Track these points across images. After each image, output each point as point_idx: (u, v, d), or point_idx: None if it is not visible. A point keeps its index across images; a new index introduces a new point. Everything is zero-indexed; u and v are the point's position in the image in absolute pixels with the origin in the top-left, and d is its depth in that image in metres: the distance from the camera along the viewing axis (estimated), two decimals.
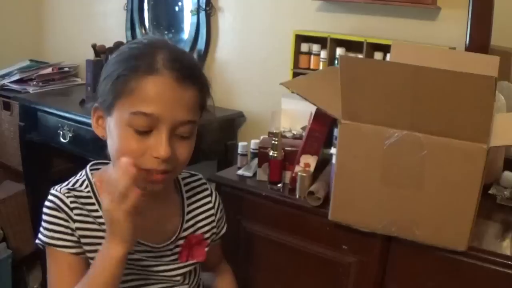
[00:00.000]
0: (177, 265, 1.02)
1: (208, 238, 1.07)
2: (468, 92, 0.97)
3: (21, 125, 2.22)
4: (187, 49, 2.19)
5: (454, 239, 1.09)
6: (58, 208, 0.91)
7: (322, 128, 1.34)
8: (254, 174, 1.45)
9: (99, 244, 0.90)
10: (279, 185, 1.38)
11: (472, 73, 0.96)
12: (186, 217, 1.04)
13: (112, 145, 0.90)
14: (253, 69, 2.08)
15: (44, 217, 0.92)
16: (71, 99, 2.30)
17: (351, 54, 1.72)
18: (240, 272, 1.44)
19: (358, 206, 1.16)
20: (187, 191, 1.06)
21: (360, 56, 1.67)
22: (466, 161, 1.03)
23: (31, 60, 2.62)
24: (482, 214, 1.15)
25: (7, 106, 2.38)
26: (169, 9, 2.37)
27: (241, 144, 1.55)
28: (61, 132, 2.02)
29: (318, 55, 1.79)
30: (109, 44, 2.33)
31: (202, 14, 2.13)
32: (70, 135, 2.00)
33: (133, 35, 2.39)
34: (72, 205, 0.91)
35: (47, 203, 0.93)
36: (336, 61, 1.75)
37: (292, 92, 1.36)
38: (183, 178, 1.07)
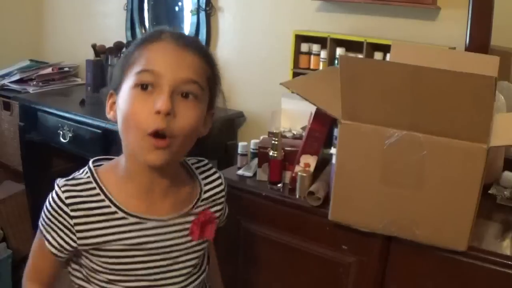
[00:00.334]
0: (187, 239, 1.00)
1: (218, 217, 1.06)
2: (468, 92, 0.97)
3: (21, 125, 2.23)
4: None
5: (454, 239, 1.09)
6: (54, 206, 0.91)
7: (322, 128, 1.34)
8: (254, 174, 1.45)
9: (102, 228, 0.91)
10: (279, 185, 1.39)
11: (472, 73, 0.96)
12: (203, 196, 1.03)
13: (119, 117, 0.90)
14: (253, 69, 2.08)
15: (43, 210, 0.93)
16: (71, 99, 2.30)
17: (351, 54, 1.72)
18: (240, 272, 1.44)
19: (358, 206, 1.16)
20: (200, 173, 1.06)
21: (360, 56, 1.68)
22: (466, 161, 1.03)
23: (31, 60, 2.62)
24: (482, 214, 1.15)
25: (7, 106, 2.38)
26: (169, 9, 2.37)
27: (241, 144, 1.55)
28: (61, 132, 2.02)
29: (318, 55, 1.79)
30: (109, 44, 2.33)
31: (202, 14, 2.14)
32: (70, 135, 2.00)
33: (133, 35, 2.38)
34: (68, 201, 0.90)
35: (49, 197, 0.93)
36: (336, 61, 1.75)
37: (292, 92, 1.36)
38: (192, 164, 1.07)
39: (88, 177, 0.94)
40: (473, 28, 1.51)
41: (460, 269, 1.12)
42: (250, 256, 1.44)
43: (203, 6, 2.12)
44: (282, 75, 1.83)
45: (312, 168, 1.35)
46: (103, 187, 0.92)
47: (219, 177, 1.09)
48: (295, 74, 1.81)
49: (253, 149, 1.55)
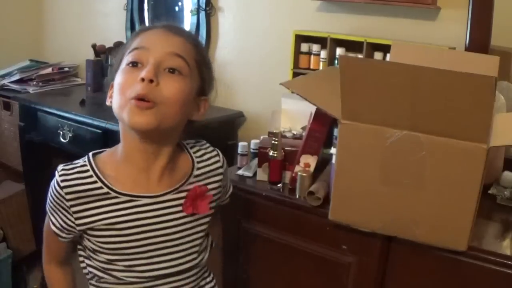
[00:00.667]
0: (181, 214, 1.01)
1: (214, 194, 1.08)
2: (468, 92, 0.97)
3: (21, 125, 2.22)
4: None
5: (454, 239, 1.09)
6: (54, 190, 0.98)
7: (322, 128, 1.34)
8: (254, 174, 1.45)
9: (95, 207, 0.96)
10: (279, 185, 1.39)
11: (472, 73, 0.96)
12: (196, 172, 1.05)
13: (114, 96, 0.96)
14: (253, 69, 2.08)
15: (48, 192, 1.00)
16: (71, 99, 2.30)
17: (351, 54, 1.72)
18: (240, 272, 1.44)
19: (358, 206, 1.16)
20: (195, 152, 1.09)
21: (360, 56, 1.68)
22: (466, 161, 1.03)
23: (31, 60, 2.62)
24: (482, 214, 1.15)
25: (7, 106, 2.38)
26: (169, 9, 2.37)
27: (241, 144, 1.55)
28: (61, 132, 2.02)
29: (318, 55, 1.79)
30: (109, 44, 2.33)
31: (202, 14, 2.14)
32: (70, 135, 2.00)
33: None
34: (63, 183, 0.96)
35: (52, 182, 0.99)
36: (336, 61, 1.75)
37: (292, 92, 1.36)
38: (188, 143, 1.10)
39: (85, 161, 0.99)
40: (473, 28, 1.51)
41: (460, 269, 1.12)
42: (250, 256, 1.44)
43: (203, 6, 2.12)
44: (282, 75, 1.83)
45: (312, 168, 1.35)
46: (96, 170, 0.97)
47: (216, 155, 1.11)
48: (295, 74, 1.81)
49: (253, 149, 1.55)
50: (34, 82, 2.42)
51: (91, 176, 0.97)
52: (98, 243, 0.98)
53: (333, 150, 1.26)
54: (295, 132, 1.59)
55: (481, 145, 1.01)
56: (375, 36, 1.70)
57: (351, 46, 1.72)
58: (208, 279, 1.12)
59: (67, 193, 0.96)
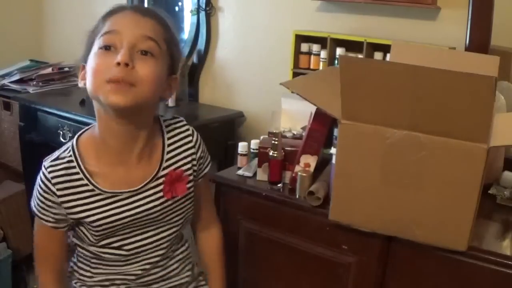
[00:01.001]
0: (163, 200, 1.08)
1: (190, 175, 1.13)
2: (468, 92, 0.97)
3: (21, 125, 2.22)
4: (187, 49, 2.19)
5: (454, 239, 1.09)
6: (43, 186, 1.03)
7: (322, 128, 1.34)
8: (254, 174, 1.45)
9: (83, 204, 1.03)
10: (279, 185, 1.39)
11: (472, 73, 0.96)
12: (166, 156, 1.10)
13: (88, 78, 0.99)
14: (253, 69, 2.08)
15: (35, 188, 1.06)
16: (71, 99, 2.30)
17: (351, 54, 1.72)
18: (240, 272, 1.44)
19: (358, 206, 1.16)
20: (168, 132, 1.12)
21: (360, 56, 1.68)
22: (466, 161, 1.03)
23: (31, 60, 2.62)
24: (482, 214, 1.15)
25: (7, 106, 2.38)
26: (169, 9, 2.37)
27: (241, 144, 1.55)
28: (61, 132, 2.02)
29: (318, 55, 1.79)
30: None
31: (202, 14, 2.14)
32: (70, 135, 2.00)
33: None
34: (53, 180, 1.02)
35: (38, 178, 1.05)
36: (336, 61, 1.75)
37: (292, 92, 1.36)
38: (165, 120, 1.14)
39: (70, 155, 1.04)
40: (473, 28, 1.51)
41: (460, 269, 1.12)
42: (250, 256, 1.44)
43: (203, 6, 2.12)
44: (282, 75, 1.83)
45: (312, 168, 1.35)
46: (82, 167, 1.03)
47: (189, 135, 1.14)
48: (295, 74, 1.81)
49: (253, 149, 1.55)
50: (34, 82, 2.42)
51: (77, 173, 1.03)
52: (88, 235, 1.07)
53: (333, 150, 1.26)
54: (295, 132, 1.59)
55: (481, 145, 1.01)
56: (375, 36, 1.70)
57: (351, 46, 1.72)
58: (181, 243, 1.20)
59: (58, 189, 1.02)
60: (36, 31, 2.83)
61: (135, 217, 1.06)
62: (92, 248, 1.09)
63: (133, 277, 1.11)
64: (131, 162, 1.05)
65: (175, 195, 1.09)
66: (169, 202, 1.09)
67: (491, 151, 1.02)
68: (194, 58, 2.21)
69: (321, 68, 1.78)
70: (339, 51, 1.74)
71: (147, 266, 1.12)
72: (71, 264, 1.16)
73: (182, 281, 1.19)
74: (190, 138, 1.14)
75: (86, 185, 1.03)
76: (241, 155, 1.54)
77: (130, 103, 0.95)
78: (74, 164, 1.03)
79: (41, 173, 1.04)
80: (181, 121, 1.16)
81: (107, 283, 1.12)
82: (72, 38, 2.68)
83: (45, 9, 2.81)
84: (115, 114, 0.98)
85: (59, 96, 2.33)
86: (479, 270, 1.10)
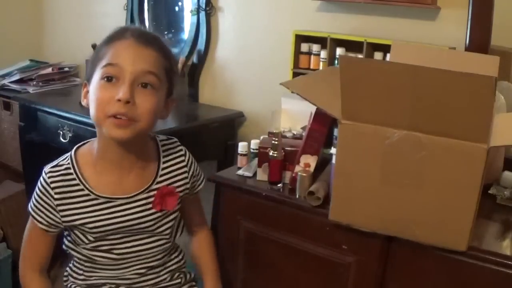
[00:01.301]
0: (152, 211, 1.15)
1: (181, 191, 1.20)
2: (468, 92, 0.97)
3: (21, 125, 2.22)
4: (187, 49, 2.19)
5: (454, 239, 1.09)
6: (42, 189, 1.10)
7: (322, 128, 1.34)
8: (254, 174, 1.45)
9: (78, 208, 1.09)
10: (279, 185, 1.39)
11: (472, 73, 0.96)
12: (161, 172, 1.17)
13: (90, 104, 1.07)
14: (253, 69, 2.08)
15: (34, 192, 1.12)
16: (71, 99, 2.30)
17: (351, 54, 1.72)
18: (240, 272, 1.44)
19: (358, 206, 1.16)
20: (164, 151, 1.20)
21: (360, 56, 1.67)
22: (466, 161, 1.03)
23: (31, 60, 2.62)
24: (482, 214, 1.15)
25: (7, 106, 2.38)
26: (169, 9, 2.37)
27: (241, 144, 1.55)
28: (61, 132, 2.02)
29: (318, 55, 1.79)
30: None
31: (202, 14, 2.13)
32: (70, 135, 2.00)
33: None
34: (52, 185, 1.09)
35: (38, 183, 1.12)
36: (336, 61, 1.75)
37: (292, 92, 1.36)
38: (161, 140, 1.21)
39: (68, 163, 1.12)
40: (473, 28, 1.51)
41: (460, 269, 1.12)
42: (250, 256, 1.44)
43: (203, 6, 2.12)
44: (282, 75, 1.83)
45: (312, 168, 1.35)
46: (79, 173, 1.10)
47: (182, 155, 1.22)
48: (295, 74, 1.81)
49: (253, 149, 1.55)
50: (34, 82, 2.42)
51: (74, 179, 1.10)
52: (79, 234, 1.13)
53: (333, 150, 1.26)
54: (295, 132, 1.59)
55: (481, 145, 1.01)
56: (375, 36, 1.70)
57: (351, 46, 1.72)
58: (175, 255, 1.26)
59: (56, 193, 1.09)
60: (36, 31, 2.83)
61: (126, 223, 1.13)
62: (85, 251, 1.14)
63: (124, 283, 1.17)
64: (124, 171, 1.12)
65: (164, 208, 1.16)
66: (158, 214, 1.16)
67: (491, 151, 1.02)
68: (194, 58, 2.21)
69: (321, 68, 1.78)
70: (339, 51, 1.74)
71: (142, 271, 1.18)
72: (67, 268, 1.22)
73: (172, 282, 1.24)
74: (183, 158, 1.21)
75: (82, 190, 1.10)
76: (241, 155, 1.54)
77: (131, 136, 1.04)
78: (71, 171, 1.11)
79: (41, 178, 1.12)
80: (176, 141, 1.24)
81: (99, 285, 1.17)
82: (72, 38, 2.69)
83: (45, 9, 2.81)
84: (116, 142, 1.07)
85: (59, 96, 2.33)
86: (479, 270, 1.10)
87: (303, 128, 1.55)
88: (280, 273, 1.40)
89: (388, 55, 1.56)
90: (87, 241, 1.13)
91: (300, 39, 1.82)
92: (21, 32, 2.75)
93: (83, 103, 1.11)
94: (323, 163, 1.41)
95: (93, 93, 1.05)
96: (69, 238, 1.16)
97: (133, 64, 1.02)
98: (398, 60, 1.25)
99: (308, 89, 1.30)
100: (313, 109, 1.34)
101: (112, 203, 1.11)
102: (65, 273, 1.22)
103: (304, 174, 1.32)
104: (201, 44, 2.17)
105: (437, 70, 0.98)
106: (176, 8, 2.33)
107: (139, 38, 1.05)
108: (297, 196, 1.33)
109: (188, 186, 1.22)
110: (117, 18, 2.45)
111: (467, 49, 1.52)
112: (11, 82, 2.43)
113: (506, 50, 1.50)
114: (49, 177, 1.10)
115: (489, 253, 1.09)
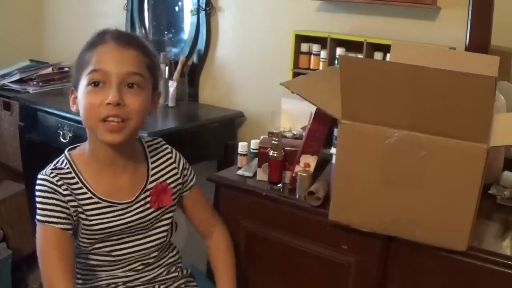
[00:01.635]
0: (151, 210, 1.20)
1: (174, 187, 1.25)
2: (468, 92, 0.97)
3: (21, 125, 2.22)
4: (187, 49, 2.20)
5: (454, 239, 1.09)
6: (48, 189, 1.09)
7: (322, 128, 1.34)
8: (254, 174, 1.45)
9: (85, 210, 1.11)
10: (279, 185, 1.38)
11: (472, 73, 0.96)
12: (151, 172, 1.22)
13: (81, 110, 1.10)
14: (253, 69, 2.08)
15: (37, 199, 1.10)
16: None
17: (351, 54, 1.72)
18: (240, 272, 1.44)
19: (358, 206, 1.16)
20: (150, 151, 1.25)
21: (360, 56, 1.67)
22: (466, 161, 1.03)
23: (31, 60, 2.62)
24: (482, 214, 1.15)
25: (7, 106, 2.38)
26: (169, 9, 2.37)
27: (241, 144, 1.55)
28: (61, 132, 2.02)
29: (318, 55, 1.79)
30: None
31: (202, 14, 2.13)
32: (70, 135, 2.00)
33: None
34: (59, 183, 1.10)
35: (37, 187, 1.11)
36: (336, 61, 1.75)
37: (292, 92, 1.36)
38: (146, 142, 1.26)
39: (68, 167, 1.14)
40: (473, 28, 1.51)
41: (460, 269, 1.12)
42: (250, 256, 1.44)
43: (203, 6, 2.12)
44: (282, 75, 1.82)
45: (312, 168, 1.35)
46: (80, 176, 1.13)
47: (168, 153, 1.27)
48: (295, 74, 1.81)
49: (253, 149, 1.55)
50: (34, 82, 2.42)
51: (77, 183, 1.13)
52: (79, 239, 1.14)
53: (333, 150, 1.26)
54: (295, 132, 1.59)
55: (481, 145, 1.01)
56: (375, 36, 1.70)
57: (351, 46, 1.72)
58: (169, 250, 1.29)
59: (64, 189, 1.10)
60: (36, 31, 2.83)
61: (128, 224, 1.17)
62: (83, 255, 1.16)
63: (121, 280, 1.19)
64: (118, 171, 1.16)
65: (161, 205, 1.21)
66: (157, 212, 1.21)
67: (491, 151, 1.02)
68: (194, 58, 2.21)
69: (321, 68, 1.78)
70: (339, 51, 1.74)
71: (139, 268, 1.21)
72: None
73: (169, 276, 1.27)
74: (170, 155, 1.27)
75: (86, 193, 1.13)
76: (241, 155, 1.54)
77: (124, 139, 1.08)
78: (73, 175, 1.13)
79: (41, 182, 1.10)
80: (161, 141, 1.29)
81: (98, 287, 1.19)
82: (72, 38, 2.69)
83: (45, 9, 2.81)
84: (109, 145, 1.11)
85: (59, 96, 2.33)
86: (479, 270, 1.10)
87: (303, 128, 1.55)
88: (280, 273, 1.40)
89: (388, 55, 1.56)
90: (86, 245, 1.14)
91: (300, 39, 1.82)
92: (21, 32, 2.75)
93: (73, 109, 1.14)
94: (323, 163, 1.41)
95: (82, 99, 1.08)
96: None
97: (116, 67, 1.06)
98: (398, 60, 1.25)
99: (308, 89, 1.30)
100: (313, 109, 1.34)
101: (114, 208, 1.15)
102: None
103: (304, 174, 1.32)
104: (201, 44, 2.17)
105: (437, 70, 0.98)
106: (176, 8, 2.33)
107: (118, 40, 1.09)
108: (297, 196, 1.33)
109: (180, 181, 1.27)
110: (117, 18, 2.45)
111: (467, 49, 1.52)
112: (11, 82, 2.43)
113: (506, 50, 1.50)
114: (53, 177, 1.10)
115: (489, 253, 1.09)
